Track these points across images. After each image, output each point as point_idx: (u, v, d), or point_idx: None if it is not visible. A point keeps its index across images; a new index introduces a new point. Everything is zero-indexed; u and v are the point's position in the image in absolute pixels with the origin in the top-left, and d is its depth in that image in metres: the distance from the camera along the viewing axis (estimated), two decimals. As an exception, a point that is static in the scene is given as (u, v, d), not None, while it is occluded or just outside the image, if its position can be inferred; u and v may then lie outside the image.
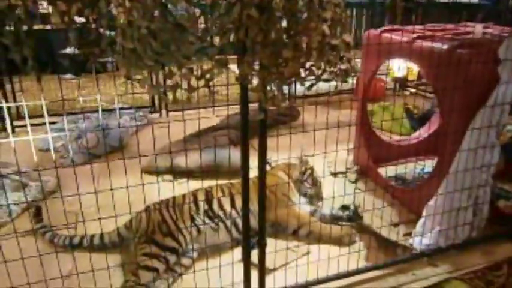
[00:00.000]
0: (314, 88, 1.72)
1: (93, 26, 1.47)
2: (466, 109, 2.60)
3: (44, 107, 1.80)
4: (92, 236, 2.70)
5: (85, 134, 4.13)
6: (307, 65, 1.57)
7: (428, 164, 3.52)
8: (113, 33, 1.47)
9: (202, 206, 2.78)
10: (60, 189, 3.23)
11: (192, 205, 2.76)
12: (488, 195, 2.77)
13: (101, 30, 1.50)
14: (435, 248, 2.68)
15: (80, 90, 5.74)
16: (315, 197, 3.16)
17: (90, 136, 4.10)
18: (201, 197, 2.83)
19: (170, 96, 1.56)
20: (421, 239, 2.72)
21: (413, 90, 6.35)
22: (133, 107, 5.24)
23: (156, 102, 5.48)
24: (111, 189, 1.92)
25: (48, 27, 6.38)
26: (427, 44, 2.88)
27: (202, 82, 1.49)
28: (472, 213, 2.76)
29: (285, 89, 1.66)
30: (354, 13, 8.20)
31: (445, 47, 2.74)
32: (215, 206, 2.80)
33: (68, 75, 7.08)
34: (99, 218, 2.00)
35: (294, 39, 1.47)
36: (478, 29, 3.17)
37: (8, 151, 2.20)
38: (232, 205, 2.83)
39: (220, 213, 2.78)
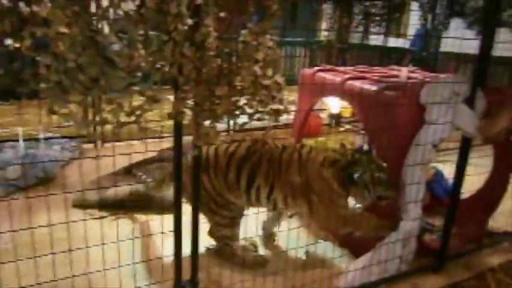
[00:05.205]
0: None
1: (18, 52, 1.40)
2: (396, 147, 2.73)
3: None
4: None
5: (8, 165, 3.85)
6: (240, 103, 1.58)
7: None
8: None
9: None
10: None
11: None
12: (417, 229, 2.89)
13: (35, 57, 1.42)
14: (367, 282, 2.73)
15: (5, 118, 5.39)
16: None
17: (14, 167, 3.83)
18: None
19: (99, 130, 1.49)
20: (355, 273, 2.76)
21: (348, 126, 6.64)
22: (65, 136, 4.97)
23: (91, 132, 5.27)
24: (30, 228, 1.79)
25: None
26: (357, 85, 3.03)
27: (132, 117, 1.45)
28: (401, 246, 2.85)
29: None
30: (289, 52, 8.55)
31: (374, 88, 2.89)
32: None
33: (-5, 101, 6.63)
34: (17, 260, 1.84)
35: (227, 78, 1.49)
36: (403, 72, 3.40)
37: None
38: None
39: None
